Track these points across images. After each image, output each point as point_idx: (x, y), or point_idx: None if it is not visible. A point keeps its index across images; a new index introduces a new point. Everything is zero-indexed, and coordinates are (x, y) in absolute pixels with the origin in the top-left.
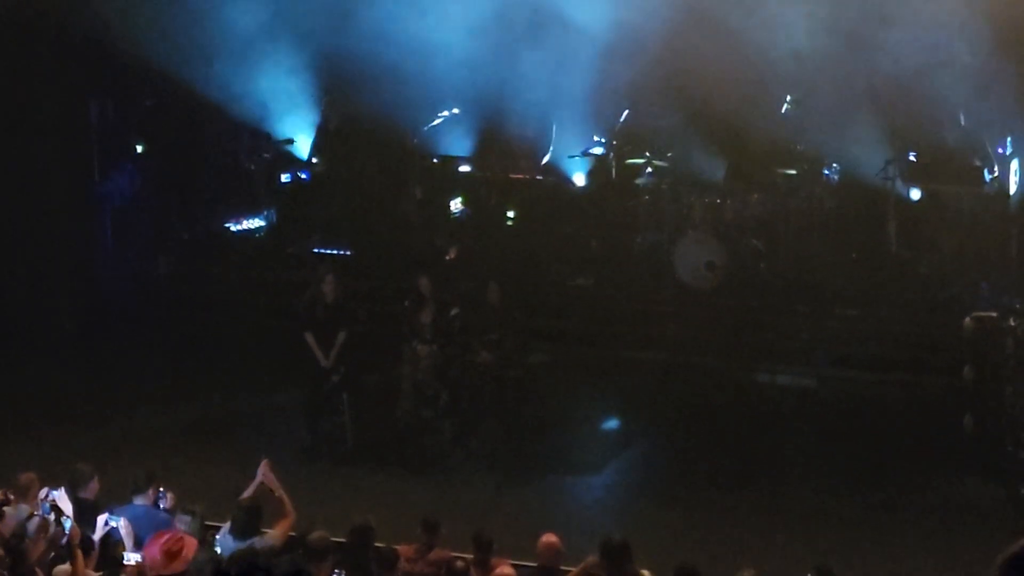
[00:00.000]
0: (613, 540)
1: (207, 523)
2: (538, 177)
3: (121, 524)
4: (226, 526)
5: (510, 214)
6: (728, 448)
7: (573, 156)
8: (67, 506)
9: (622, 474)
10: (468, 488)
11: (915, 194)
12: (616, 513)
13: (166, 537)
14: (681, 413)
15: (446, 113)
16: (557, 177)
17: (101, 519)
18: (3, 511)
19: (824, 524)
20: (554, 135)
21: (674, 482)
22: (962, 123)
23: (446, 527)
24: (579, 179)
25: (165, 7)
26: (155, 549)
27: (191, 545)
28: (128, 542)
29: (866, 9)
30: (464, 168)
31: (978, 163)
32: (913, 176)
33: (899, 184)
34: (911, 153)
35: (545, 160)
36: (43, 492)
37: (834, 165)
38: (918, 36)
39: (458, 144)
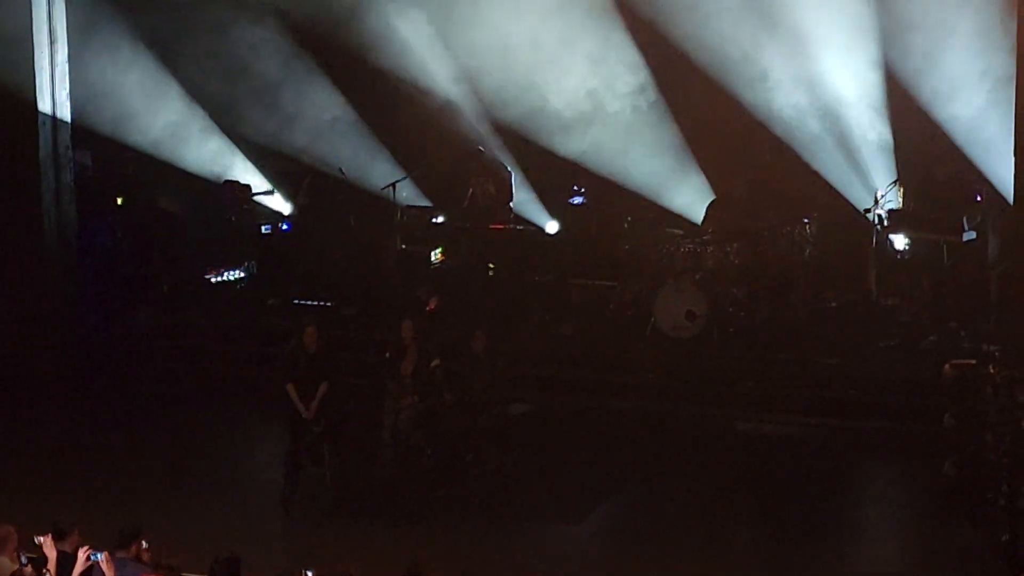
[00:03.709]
0: None
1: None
2: (518, 227)
3: (102, 558)
4: None
5: (491, 264)
6: (711, 497)
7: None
8: (52, 553)
9: (605, 523)
10: (451, 538)
11: (896, 241)
12: (599, 563)
13: None
14: (663, 462)
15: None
16: (531, 227)
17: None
18: None
19: (805, 571)
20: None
21: (657, 532)
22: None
23: None
24: (551, 227)
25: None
26: None
27: None
28: None
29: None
30: (440, 219)
31: (959, 212)
32: (893, 224)
33: (879, 232)
34: (891, 201)
35: (515, 210)
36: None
37: (814, 213)
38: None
39: (427, 198)
